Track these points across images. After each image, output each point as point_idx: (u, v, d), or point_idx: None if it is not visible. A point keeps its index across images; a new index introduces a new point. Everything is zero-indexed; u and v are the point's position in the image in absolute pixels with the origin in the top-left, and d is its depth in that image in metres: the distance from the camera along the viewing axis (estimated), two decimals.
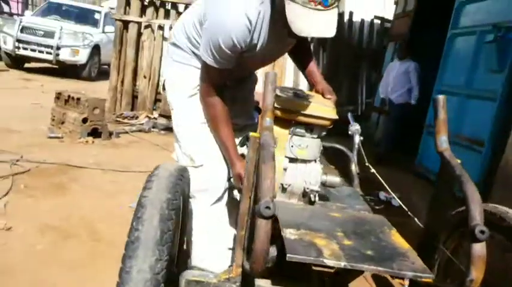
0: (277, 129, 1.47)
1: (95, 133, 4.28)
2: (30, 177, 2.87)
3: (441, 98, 1.25)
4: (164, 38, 6.07)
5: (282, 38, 1.46)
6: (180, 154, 1.63)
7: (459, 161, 1.20)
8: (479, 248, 0.97)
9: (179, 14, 6.01)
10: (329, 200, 1.73)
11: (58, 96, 4.54)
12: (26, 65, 9.30)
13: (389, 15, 6.44)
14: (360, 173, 2.03)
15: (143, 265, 0.91)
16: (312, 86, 1.81)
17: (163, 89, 1.71)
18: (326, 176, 1.59)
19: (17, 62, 8.92)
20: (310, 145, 1.50)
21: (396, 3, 5.98)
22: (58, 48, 8.49)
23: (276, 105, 1.42)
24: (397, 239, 1.25)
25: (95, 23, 9.52)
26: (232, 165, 1.52)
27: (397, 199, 3.10)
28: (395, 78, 4.92)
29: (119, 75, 6.04)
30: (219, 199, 1.63)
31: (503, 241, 1.25)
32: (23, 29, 8.47)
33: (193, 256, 1.66)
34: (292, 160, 1.51)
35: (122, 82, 6.05)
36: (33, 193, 2.60)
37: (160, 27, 6.05)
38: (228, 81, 1.64)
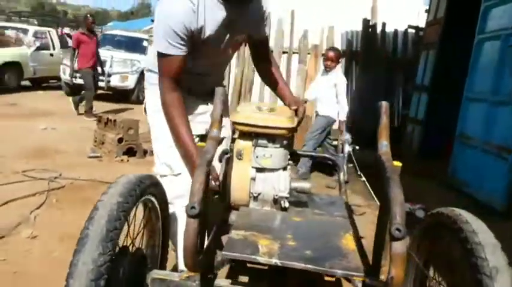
0: (242, 143, 1.59)
1: (130, 152, 4.61)
2: (64, 192, 3.19)
3: (384, 104, 1.29)
4: None
5: (230, 24, 1.58)
6: (160, 165, 1.77)
7: (400, 164, 1.23)
8: (397, 246, 1.00)
9: None
10: (307, 207, 1.79)
11: (99, 119, 4.96)
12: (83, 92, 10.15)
13: (424, 23, 6.30)
14: (348, 182, 2.06)
15: (87, 258, 1.06)
16: (282, 101, 1.91)
17: (145, 112, 1.86)
18: (296, 183, 1.66)
19: (74, 90, 9.77)
20: (274, 154, 1.58)
21: (428, 10, 5.86)
22: (109, 75, 9.20)
23: (236, 120, 1.54)
24: (347, 242, 1.30)
25: (142, 50, 10.20)
26: (193, 162, 1.54)
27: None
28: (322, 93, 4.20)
29: None
30: None
31: (454, 243, 1.25)
32: None
33: (179, 260, 1.79)
34: (260, 170, 1.60)
35: None
36: (62, 206, 2.89)
37: None
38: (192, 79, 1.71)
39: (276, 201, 1.63)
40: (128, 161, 4.46)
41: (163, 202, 1.54)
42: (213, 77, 1.81)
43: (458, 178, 4.18)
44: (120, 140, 4.51)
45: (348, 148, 2.09)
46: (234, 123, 1.57)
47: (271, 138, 1.58)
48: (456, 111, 4.32)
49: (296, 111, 1.76)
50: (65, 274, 1.05)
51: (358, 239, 1.36)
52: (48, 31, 11.10)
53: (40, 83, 10.99)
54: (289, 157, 1.68)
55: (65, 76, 9.52)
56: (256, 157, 1.59)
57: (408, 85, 6.51)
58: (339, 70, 4.29)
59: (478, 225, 1.20)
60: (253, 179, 1.61)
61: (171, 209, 1.66)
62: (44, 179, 3.40)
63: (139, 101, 9.83)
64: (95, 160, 4.43)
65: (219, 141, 1.32)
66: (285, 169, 1.64)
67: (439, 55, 5.13)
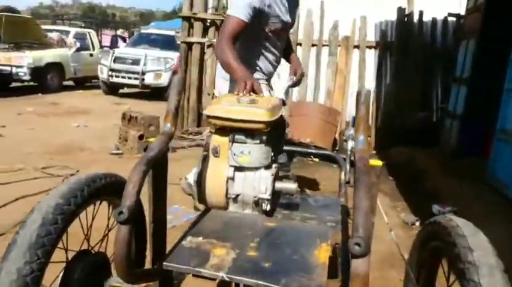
0: (218, 138, 1.44)
1: None
2: None
3: (363, 91, 1.09)
4: None
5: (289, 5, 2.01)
6: None
7: (379, 163, 1.03)
8: (357, 265, 0.82)
9: None
10: (297, 210, 1.62)
11: (123, 116, 4.99)
12: (120, 90, 10.43)
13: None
14: (349, 182, 1.86)
15: (12, 267, 0.96)
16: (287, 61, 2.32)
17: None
18: (281, 184, 1.49)
19: (111, 88, 10.05)
20: (253, 151, 1.42)
21: None
22: (143, 73, 9.36)
23: (209, 113, 1.40)
24: (319, 253, 1.11)
25: (176, 48, 10.29)
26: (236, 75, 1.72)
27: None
28: None
29: (185, 93, 6.41)
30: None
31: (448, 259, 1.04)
32: (115, 60, 9.53)
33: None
34: (239, 169, 1.45)
35: (188, 100, 6.42)
36: None
37: None
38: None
39: (257, 203, 1.47)
40: None
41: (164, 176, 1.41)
42: (274, 58, 2.15)
43: (497, 178, 3.78)
44: (140, 137, 4.50)
45: (351, 144, 1.88)
46: (207, 117, 1.42)
47: (250, 133, 1.42)
48: (497, 105, 3.91)
49: (295, 72, 2.21)
50: None
51: (335, 249, 1.17)
52: (88, 32, 11.49)
53: (82, 83, 11.42)
54: (272, 154, 1.51)
55: (103, 75, 9.81)
56: (234, 154, 1.44)
57: (447, 77, 6.05)
58: None
59: (476, 240, 0.98)
60: (232, 178, 1.45)
61: None
62: (60, 176, 3.43)
63: None
64: (116, 156, 4.46)
65: (171, 136, 1.18)
66: (267, 167, 1.48)
67: (479, 45, 4.68)
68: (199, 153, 1.53)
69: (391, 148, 5.48)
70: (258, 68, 2.12)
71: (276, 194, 1.50)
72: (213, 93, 6.25)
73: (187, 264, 1.00)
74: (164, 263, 1.00)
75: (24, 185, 3.21)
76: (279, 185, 1.49)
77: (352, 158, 1.96)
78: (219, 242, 1.13)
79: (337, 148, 5.79)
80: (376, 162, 1.04)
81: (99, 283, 1.24)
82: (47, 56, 9.65)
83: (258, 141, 1.43)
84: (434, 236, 1.13)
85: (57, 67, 9.96)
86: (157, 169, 1.18)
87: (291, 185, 1.49)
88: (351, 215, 1.76)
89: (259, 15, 1.90)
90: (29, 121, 6.50)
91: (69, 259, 1.18)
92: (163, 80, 9.55)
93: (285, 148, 1.79)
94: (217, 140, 1.45)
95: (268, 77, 2.20)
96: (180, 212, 2.71)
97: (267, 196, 1.44)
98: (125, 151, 4.62)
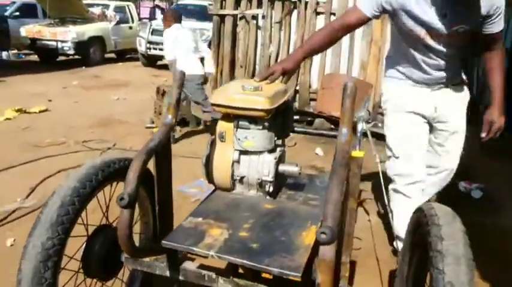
0: (223, 124, 1.54)
1: (183, 122, 4.77)
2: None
3: (349, 85, 1.13)
4: (258, 27, 6.28)
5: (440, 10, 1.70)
6: (386, 148, 2.07)
7: (361, 155, 1.09)
8: (324, 252, 0.90)
9: (272, 2, 6.15)
10: (302, 190, 1.70)
11: (157, 90, 5.18)
12: (159, 62, 10.69)
13: None
14: None
15: (37, 241, 1.13)
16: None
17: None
18: (284, 166, 1.57)
19: (149, 60, 10.31)
20: (256, 137, 1.51)
21: None
22: None
23: (213, 102, 1.49)
24: (306, 235, 1.21)
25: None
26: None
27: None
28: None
29: (218, 66, 6.51)
30: (413, 183, 1.98)
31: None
32: (153, 32, 9.72)
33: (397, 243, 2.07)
34: (244, 152, 1.54)
35: (221, 73, 6.51)
36: None
37: (254, 17, 6.27)
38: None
39: (261, 185, 1.57)
40: (180, 131, 4.64)
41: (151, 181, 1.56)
42: (427, 67, 1.88)
43: None
44: None
45: (361, 126, 1.91)
46: (212, 104, 1.51)
47: (253, 119, 1.50)
48: None
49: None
50: None
51: None
52: (127, 5, 11.72)
53: (123, 55, 11.79)
54: (276, 138, 1.58)
55: (141, 48, 10.07)
56: (238, 139, 1.53)
57: None
58: (174, 27, 4.53)
59: (449, 229, 1.02)
60: (237, 161, 1.55)
61: (392, 185, 2.05)
62: (98, 150, 3.69)
63: None
64: (150, 130, 4.68)
65: (172, 127, 1.29)
66: (271, 151, 1.56)
67: None
68: None
69: None
70: (400, 70, 1.98)
71: (279, 176, 1.58)
72: (253, 70, 6.31)
73: (182, 243, 1.13)
74: (163, 241, 1.14)
75: (65, 158, 3.49)
76: (282, 167, 1.57)
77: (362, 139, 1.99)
78: (216, 222, 1.25)
79: (370, 121, 5.72)
80: (358, 153, 1.09)
81: (116, 253, 1.41)
82: (90, 30, 10.02)
83: (261, 127, 1.50)
84: (419, 223, 1.18)
85: (99, 41, 10.32)
86: (160, 158, 1.30)
87: (294, 168, 1.57)
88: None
89: (391, 14, 1.81)
90: (73, 94, 6.89)
91: (90, 233, 1.35)
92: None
93: (295, 129, 1.85)
94: (223, 126, 1.54)
95: (427, 83, 1.94)
96: (204, 186, 2.86)
97: (270, 178, 1.53)
98: (159, 124, 4.84)
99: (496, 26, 1.74)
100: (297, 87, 6.16)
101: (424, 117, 1.99)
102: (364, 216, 2.71)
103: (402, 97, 1.99)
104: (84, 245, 1.33)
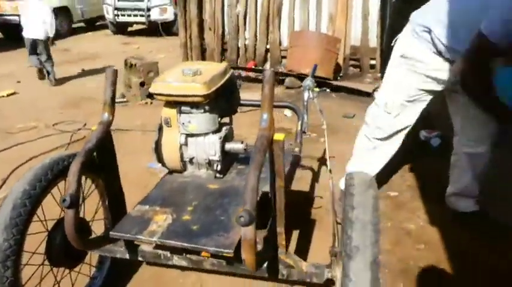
0: (167, 110, 1.60)
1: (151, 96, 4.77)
2: (81, 145, 3.48)
3: (267, 72, 1.19)
4: None
5: None
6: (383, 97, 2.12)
7: (281, 138, 1.17)
8: (245, 232, 1.01)
9: None
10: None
11: (125, 62, 5.12)
12: (129, 29, 10.41)
13: None
14: (306, 133, 1.99)
15: None
16: None
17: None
18: (230, 144, 1.67)
19: (119, 28, 10.03)
20: (199, 120, 1.58)
21: None
22: (148, 9, 9.24)
23: (151, 91, 1.55)
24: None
25: None
26: None
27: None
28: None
29: (186, 31, 6.40)
30: (386, 138, 2.15)
31: None
32: None
33: None
34: (190, 135, 1.63)
35: (190, 37, 6.41)
36: None
37: None
38: None
39: (210, 164, 1.67)
40: (151, 103, 4.66)
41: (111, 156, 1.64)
42: None
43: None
44: (142, 84, 4.67)
45: (307, 95, 1.99)
46: (153, 93, 1.57)
47: (194, 104, 1.56)
48: None
49: None
50: None
51: None
52: None
53: (93, 23, 11.39)
54: (219, 119, 1.66)
55: (109, 15, 9.75)
56: (182, 123, 1.61)
57: None
58: None
59: (361, 198, 1.14)
60: (185, 144, 1.64)
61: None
62: (68, 132, 3.73)
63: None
64: (121, 105, 4.69)
65: (109, 124, 1.35)
66: (216, 131, 1.64)
67: None
68: None
69: None
70: None
71: (227, 154, 1.68)
72: (223, 32, 6.22)
73: (128, 232, 1.24)
74: (111, 233, 1.24)
75: (37, 143, 3.53)
76: (228, 146, 1.66)
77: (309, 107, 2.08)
78: (161, 208, 1.35)
79: (341, 74, 5.76)
80: (279, 136, 1.18)
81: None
82: (53, 1, 9.60)
83: (202, 110, 1.58)
84: (343, 192, 1.30)
85: (64, 11, 9.93)
86: (102, 155, 1.38)
87: (239, 145, 1.66)
88: (300, 164, 1.93)
89: None
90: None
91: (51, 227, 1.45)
92: (169, 15, 9.42)
93: (243, 101, 1.91)
94: (167, 112, 1.61)
95: None
96: None
97: (217, 157, 1.63)
98: (130, 98, 4.84)
99: None
100: (268, 46, 6.13)
101: None
102: (327, 174, 2.85)
103: None
104: (46, 239, 1.43)
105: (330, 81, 5.11)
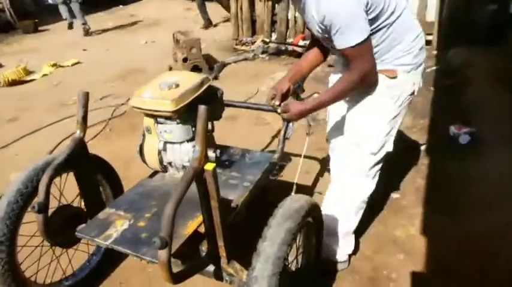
0: (147, 120, 1.78)
1: (196, 69, 4.98)
2: (121, 120, 3.84)
3: (201, 108, 1.29)
4: None
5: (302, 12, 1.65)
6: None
7: (210, 167, 1.29)
8: (160, 254, 1.18)
9: None
10: (229, 168, 1.94)
11: (173, 37, 5.36)
12: None
13: None
14: (287, 138, 2.04)
15: None
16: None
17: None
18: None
19: None
20: (174, 130, 1.74)
21: None
22: None
23: (131, 104, 1.72)
24: (188, 226, 1.49)
25: None
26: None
27: None
28: None
29: (237, 2, 6.43)
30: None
31: None
32: None
33: None
34: (168, 142, 1.80)
35: (241, 9, 6.44)
36: (111, 136, 3.55)
37: None
38: None
39: (186, 168, 1.83)
40: None
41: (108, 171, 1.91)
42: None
43: None
44: (184, 60, 4.89)
45: (291, 101, 2.03)
46: (132, 106, 1.74)
47: (167, 117, 1.72)
48: None
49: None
50: None
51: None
52: None
53: None
54: (194, 129, 1.79)
55: None
56: (160, 132, 1.78)
57: None
58: None
59: (274, 231, 1.25)
60: (164, 150, 1.82)
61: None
62: (111, 107, 4.10)
63: None
64: None
65: (79, 142, 1.56)
66: (190, 140, 1.79)
67: None
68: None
69: (453, 48, 5.03)
70: None
71: None
72: (273, 3, 6.18)
73: (89, 234, 1.47)
74: (76, 233, 1.49)
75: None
76: None
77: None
78: (124, 213, 1.56)
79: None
80: (209, 165, 1.29)
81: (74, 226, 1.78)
82: None
83: (175, 122, 1.72)
84: None
85: None
86: (77, 168, 1.62)
87: (211, 154, 1.79)
88: (277, 171, 2.01)
89: None
90: (106, 40, 7.28)
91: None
92: None
93: (227, 102, 2.01)
94: (147, 121, 1.78)
95: None
96: None
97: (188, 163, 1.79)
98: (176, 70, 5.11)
99: (336, 41, 1.51)
100: None
101: None
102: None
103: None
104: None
105: None
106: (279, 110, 1.77)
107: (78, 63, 5.87)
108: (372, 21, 1.53)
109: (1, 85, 5.10)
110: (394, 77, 1.69)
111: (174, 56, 5.26)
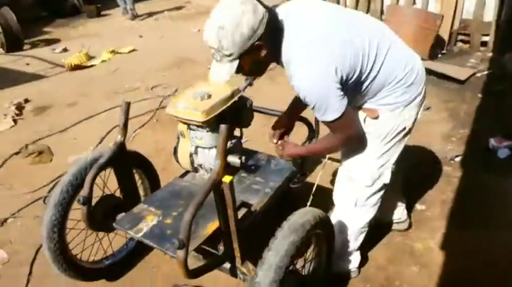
0: (181, 125, 1.97)
1: None
2: None
3: (222, 127, 1.45)
4: None
5: None
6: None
7: (228, 180, 1.45)
8: (178, 254, 1.37)
9: None
10: (254, 173, 2.09)
11: None
12: None
13: None
14: None
15: (47, 217, 1.80)
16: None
17: None
18: (230, 158, 1.97)
19: None
20: (204, 137, 1.91)
21: None
22: None
23: (167, 112, 1.91)
24: (209, 227, 1.65)
25: None
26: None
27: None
28: None
29: None
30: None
31: None
32: None
33: None
34: (199, 147, 1.98)
35: None
36: (157, 126, 3.81)
37: None
38: None
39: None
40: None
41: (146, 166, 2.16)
42: None
43: None
44: None
45: None
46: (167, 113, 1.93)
47: (198, 125, 1.89)
48: None
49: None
50: None
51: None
52: None
53: None
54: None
55: None
56: (192, 137, 1.97)
57: None
58: None
59: (279, 243, 1.39)
60: (195, 153, 2.01)
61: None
62: (160, 97, 4.38)
63: None
64: None
65: (120, 145, 1.77)
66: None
67: None
68: None
69: (509, 51, 4.79)
70: None
71: (229, 165, 1.99)
72: None
73: (124, 226, 1.70)
74: (114, 224, 1.72)
75: (133, 107, 4.23)
76: (229, 158, 1.97)
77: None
78: (154, 210, 1.77)
79: (444, 51, 5.27)
80: (227, 178, 1.45)
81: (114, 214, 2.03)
82: None
83: (205, 130, 1.90)
84: None
85: None
86: (117, 167, 1.86)
87: (236, 160, 1.94)
88: (298, 179, 2.13)
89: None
90: (161, 27, 7.60)
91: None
92: None
93: (258, 109, 2.16)
94: (181, 127, 1.97)
95: None
96: None
97: None
98: None
99: (319, 117, 1.55)
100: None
101: None
102: None
103: None
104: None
105: (424, 60, 4.80)
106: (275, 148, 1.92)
107: (134, 50, 6.23)
108: (355, 83, 1.55)
109: (65, 70, 5.56)
110: (376, 118, 1.69)
111: None
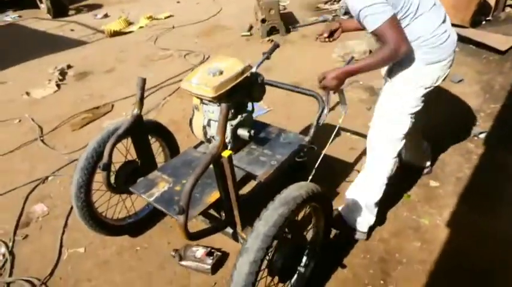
0: (195, 99, 2.10)
1: (274, 30, 5.13)
2: None
3: (223, 106, 1.55)
4: None
5: None
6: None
7: (227, 154, 1.57)
8: (178, 218, 1.54)
9: None
10: (262, 145, 2.20)
11: None
12: None
13: None
14: (319, 123, 2.20)
15: (74, 180, 2.03)
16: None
17: None
18: (240, 130, 2.09)
19: None
20: (215, 110, 2.03)
21: None
22: None
23: (182, 87, 2.04)
24: (212, 195, 1.81)
25: None
26: None
27: None
28: None
29: None
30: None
31: None
32: None
33: None
34: (211, 120, 2.11)
35: None
36: (185, 94, 3.92)
37: None
38: None
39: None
40: (272, 41, 5.03)
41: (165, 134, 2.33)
42: None
43: None
44: (263, 21, 5.05)
45: (343, 111, 2.16)
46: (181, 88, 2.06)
47: (210, 100, 2.01)
48: None
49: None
50: None
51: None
52: None
53: None
54: (233, 110, 2.07)
55: None
56: (205, 111, 2.09)
57: None
58: None
59: (269, 214, 1.51)
60: (208, 126, 2.14)
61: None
62: (193, 65, 4.52)
63: None
64: (244, 38, 5.22)
65: (137, 118, 1.93)
66: (230, 119, 2.08)
67: None
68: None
69: None
70: None
71: (239, 137, 2.11)
72: None
73: (139, 190, 1.88)
74: (130, 188, 1.92)
75: (166, 73, 4.43)
76: (238, 131, 2.09)
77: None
78: (167, 177, 1.94)
79: (488, 18, 4.96)
80: (226, 153, 1.56)
81: (134, 178, 2.24)
82: None
83: (216, 104, 2.02)
84: None
85: None
86: (135, 137, 2.03)
87: (245, 133, 2.06)
88: (304, 154, 2.21)
89: None
90: None
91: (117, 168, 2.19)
92: None
93: (271, 82, 2.25)
94: (195, 100, 2.10)
95: None
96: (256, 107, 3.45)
97: (229, 139, 2.09)
98: (255, 31, 5.31)
99: (366, 25, 1.71)
100: None
101: None
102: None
103: None
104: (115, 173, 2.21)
105: (465, 27, 4.56)
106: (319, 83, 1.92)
107: (170, 16, 6.35)
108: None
109: (105, 36, 5.81)
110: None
111: (255, 16, 5.44)
